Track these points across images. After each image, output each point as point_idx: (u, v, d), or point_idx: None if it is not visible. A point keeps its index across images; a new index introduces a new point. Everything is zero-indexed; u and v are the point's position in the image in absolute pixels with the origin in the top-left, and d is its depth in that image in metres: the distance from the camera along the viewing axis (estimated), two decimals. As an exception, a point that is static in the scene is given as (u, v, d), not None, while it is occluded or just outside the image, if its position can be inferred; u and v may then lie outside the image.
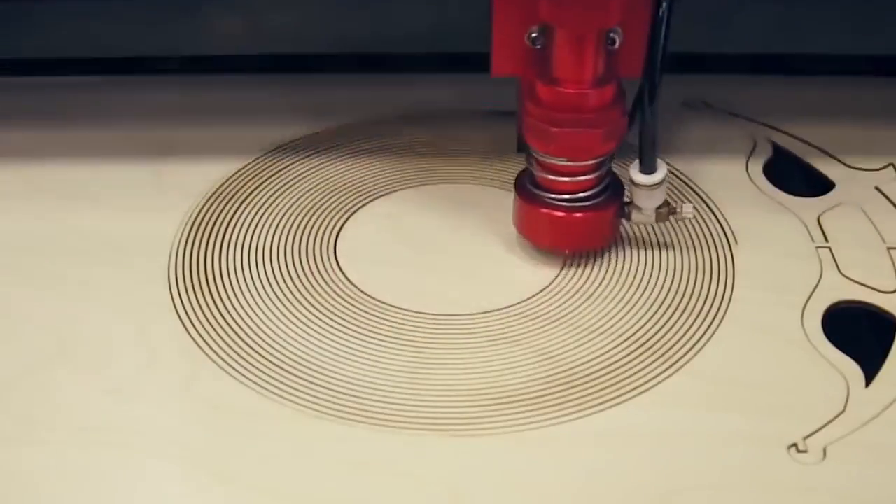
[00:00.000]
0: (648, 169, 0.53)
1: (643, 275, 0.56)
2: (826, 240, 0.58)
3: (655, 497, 0.45)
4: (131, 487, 0.45)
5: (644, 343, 0.52)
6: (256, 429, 0.48)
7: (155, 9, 0.66)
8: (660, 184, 0.54)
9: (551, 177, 0.54)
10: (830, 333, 0.52)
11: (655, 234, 0.59)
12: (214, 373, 0.51)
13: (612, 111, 0.52)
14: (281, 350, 0.52)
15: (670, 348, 0.52)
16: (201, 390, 0.50)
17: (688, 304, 0.54)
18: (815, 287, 0.55)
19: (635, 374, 0.50)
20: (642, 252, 0.57)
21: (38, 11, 0.65)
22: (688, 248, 0.58)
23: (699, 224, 0.59)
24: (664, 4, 0.50)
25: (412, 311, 0.54)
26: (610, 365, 0.51)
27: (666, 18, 0.50)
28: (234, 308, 0.54)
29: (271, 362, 0.51)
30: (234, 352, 0.52)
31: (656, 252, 0.57)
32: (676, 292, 0.55)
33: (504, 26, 0.52)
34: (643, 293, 0.55)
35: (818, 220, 0.60)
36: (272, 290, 0.55)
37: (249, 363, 0.51)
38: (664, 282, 0.56)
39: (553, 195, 0.54)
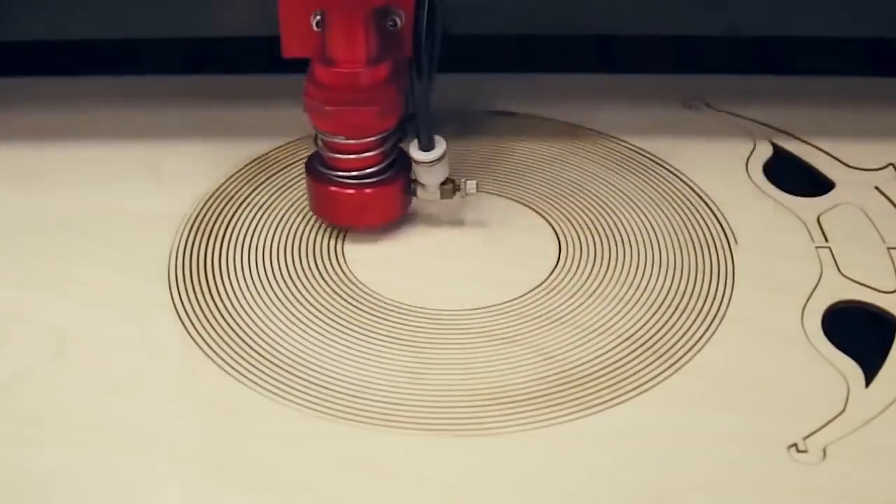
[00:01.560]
0: (426, 145, 0.55)
1: (643, 275, 0.56)
2: (826, 240, 0.58)
3: (655, 497, 0.45)
4: (131, 487, 0.45)
5: (644, 343, 0.52)
6: (256, 429, 0.48)
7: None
8: (439, 160, 0.55)
9: (336, 155, 0.56)
10: (830, 333, 0.52)
11: (655, 234, 0.59)
12: (214, 373, 0.51)
13: (387, 89, 0.54)
14: (281, 350, 0.52)
15: (670, 348, 0.52)
16: (201, 390, 0.50)
17: (688, 304, 0.54)
18: (815, 287, 0.55)
19: (635, 374, 0.50)
20: (642, 252, 0.57)
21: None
22: (688, 248, 0.58)
23: (699, 224, 0.59)
24: None
25: (412, 307, 0.54)
26: (610, 365, 0.51)
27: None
28: (234, 308, 0.54)
29: (271, 362, 0.51)
30: (234, 352, 0.52)
31: (656, 252, 0.57)
32: (676, 292, 0.55)
33: (289, 10, 0.55)
34: (643, 293, 0.55)
35: (818, 220, 0.60)
36: (272, 290, 0.55)
37: (249, 363, 0.51)
38: (664, 282, 0.56)
39: (340, 173, 0.56)
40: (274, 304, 0.55)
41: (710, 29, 0.65)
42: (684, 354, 0.51)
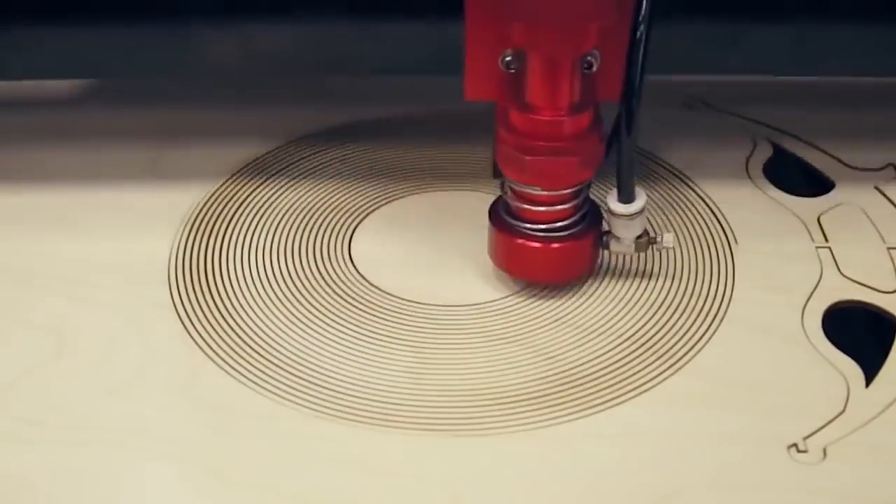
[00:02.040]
0: (626, 198, 0.52)
1: (643, 275, 0.56)
2: (826, 240, 0.58)
3: (655, 497, 0.45)
4: (131, 487, 0.45)
5: (644, 343, 0.52)
6: (256, 429, 0.48)
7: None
8: (639, 213, 0.52)
9: (526, 206, 0.52)
10: (830, 333, 0.52)
11: (656, 234, 0.58)
12: (214, 373, 0.51)
13: (589, 138, 0.51)
14: (281, 350, 0.52)
15: (670, 348, 0.52)
16: (201, 390, 0.50)
17: (688, 304, 0.54)
18: (815, 287, 0.55)
19: (635, 374, 0.50)
20: (642, 252, 0.57)
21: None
22: (688, 248, 0.58)
23: (699, 224, 0.59)
24: (641, 27, 0.48)
25: (412, 307, 0.54)
26: (610, 365, 0.51)
27: (643, 41, 0.48)
28: (234, 308, 0.54)
29: (271, 362, 0.51)
30: (234, 352, 0.52)
31: (656, 252, 0.57)
32: (676, 292, 0.55)
33: (477, 49, 0.51)
34: (643, 293, 0.55)
35: (818, 220, 0.60)
36: (272, 290, 0.55)
37: (249, 363, 0.51)
38: (664, 282, 0.56)
39: (529, 225, 0.53)
40: (274, 304, 0.55)
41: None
42: (684, 354, 0.51)
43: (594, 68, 0.50)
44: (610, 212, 0.52)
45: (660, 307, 0.54)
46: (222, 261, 0.57)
